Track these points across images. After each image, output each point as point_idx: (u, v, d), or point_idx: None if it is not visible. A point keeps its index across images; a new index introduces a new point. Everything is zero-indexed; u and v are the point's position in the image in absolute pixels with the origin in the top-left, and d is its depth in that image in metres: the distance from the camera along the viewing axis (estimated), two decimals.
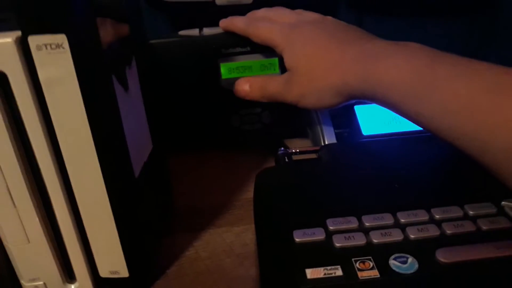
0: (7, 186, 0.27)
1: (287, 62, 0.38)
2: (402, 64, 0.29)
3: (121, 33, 0.30)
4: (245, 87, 0.42)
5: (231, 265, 0.34)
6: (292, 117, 0.47)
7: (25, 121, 0.25)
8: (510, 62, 0.27)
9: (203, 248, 0.36)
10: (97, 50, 0.25)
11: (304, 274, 0.22)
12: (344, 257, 0.23)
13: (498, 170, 0.25)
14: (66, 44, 0.23)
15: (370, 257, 0.23)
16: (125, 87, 0.30)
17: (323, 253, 0.24)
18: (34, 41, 0.23)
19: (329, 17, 0.40)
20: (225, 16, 0.45)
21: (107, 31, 0.27)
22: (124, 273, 0.31)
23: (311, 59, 0.35)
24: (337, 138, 0.41)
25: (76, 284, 0.31)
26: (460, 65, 0.27)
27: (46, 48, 0.23)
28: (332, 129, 0.42)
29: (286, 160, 0.35)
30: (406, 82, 0.28)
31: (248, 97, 0.42)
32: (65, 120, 0.26)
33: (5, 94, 0.24)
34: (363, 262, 0.23)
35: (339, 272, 0.22)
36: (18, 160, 0.26)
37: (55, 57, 0.24)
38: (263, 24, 0.40)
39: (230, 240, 0.37)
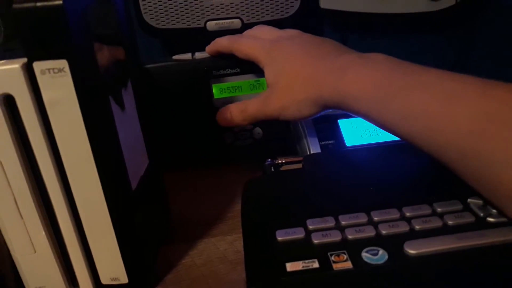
0: (15, 199, 0.29)
1: (268, 78, 0.40)
2: (366, 76, 0.32)
3: (117, 57, 0.33)
4: (226, 115, 0.44)
5: (224, 271, 0.36)
6: (281, 133, 0.50)
7: (31, 139, 0.28)
8: (486, 76, 0.29)
9: (198, 256, 0.38)
10: (95, 73, 0.28)
11: (284, 268, 0.25)
12: (321, 252, 0.26)
13: (455, 169, 0.27)
14: (67, 68, 0.26)
15: (345, 251, 0.25)
16: (122, 106, 0.32)
17: (302, 249, 0.26)
18: (38, 66, 0.26)
19: (305, 33, 0.42)
20: None
21: (104, 56, 0.30)
22: (123, 279, 0.33)
23: (289, 75, 0.38)
24: (322, 150, 0.43)
25: None
26: (418, 75, 0.30)
27: (49, 72, 0.26)
28: (317, 141, 0.44)
29: (272, 169, 0.37)
30: (370, 93, 0.31)
31: (231, 124, 0.44)
32: (67, 137, 0.28)
33: (13, 114, 0.27)
34: (338, 255, 0.25)
35: (315, 264, 0.25)
36: (25, 175, 0.29)
37: (57, 81, 0.26)
38: (246, 40, 0.43)
39: (224, 248, 0.39)
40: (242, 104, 0.43)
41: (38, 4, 0.25)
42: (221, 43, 0.46)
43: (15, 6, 0.25)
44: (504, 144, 0.24)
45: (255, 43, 0.43)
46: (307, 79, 0.36)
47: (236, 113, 0.44)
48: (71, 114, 0.27)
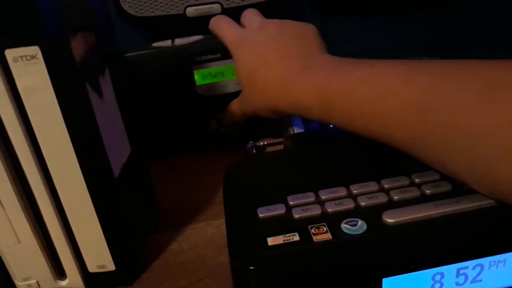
0: None
1: (237, 76, 0.42)
2: (308, 90, 0.34)
3: (92, 45, 0.33)
4: (225, 118, 0.49)
5: (212, 254, 0.37)
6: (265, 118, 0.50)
7: (8, 128, 0.28)
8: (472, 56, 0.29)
9: (185, 241, 0.38)
10: (70, 59, 0.28)
11: (266, 242, 0.25)
12: (301, 225, 0.26)
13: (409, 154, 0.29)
14: (39, 55, 0.26)
15: (324, 223, 0.26)
16: (99, 94, 0.32)
17: (283, 224, 0.26)
18: (10, 54, 0.26)
19: (273, 25, 0.41)
20: (196, 27, 0.48)
21: (78, 43, 0.30)
22: (110, 266, 0.33)
23: (247, 81, 0.40)
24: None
25: (67, 280, 0.33)
26: (352, 75, 0.31)
27: (22, 59, 0.26)
28: (301, 124, 0.44)
29: (254, 151, 0.37)
30: (314, 103, 0.33)
31: (232, 120, 0.48)
32: (45, 126, 0.28)
33: None
34: (318, 228, 0.25)
35: (296, 237, 0.25)
36: (3, 166, 0.28)
37: (30, 68, 0.26)
38: (225, 25, 0.44)
39: (211, 232, 0.39)
40: (230, 107, 0.46)
41: None
42: (210, 23, 0.46)
43: None
44: (432, 129, 0.26)
45: (230, 31, 0.43)
46: (261, 90, 0.38)
47: (227, 116, 0.47)
48: (47, 101, 0.27)
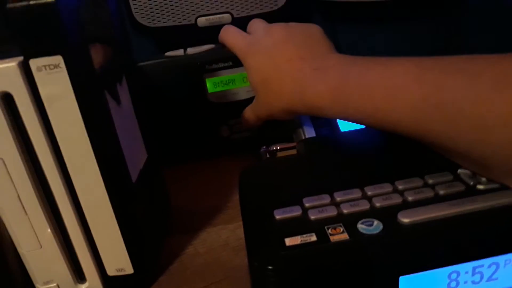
0: (18, 196, 0.30)
1: (249, 81, 0.43)
2: (321, 92, 0.35)
3: (110, 54, 0.34)
4: (243, 118, 0.48)
5: (227, 257, 0.37)
6: (276, 124, 0.51)
7: (31, 135, 0.29)
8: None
9: (201, 245, 0.39)
10: (90, 68, 0.29)
11: (284, 242, 0.26)
12: (318, 226, 0.26)
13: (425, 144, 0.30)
14: (62, 64, 0.27)
15: (341, 224, 0.26)
16: (118, 101, 0.33)
17: (300, 226, 0.27)
18: (34, 63, 0.27)
19: (279, 28, 0.42)
20: (207, 36, 0.49)
21: (98, 52, 0.31)
22: (129, 270, 0.34)
23: (261, 86, 0.41)
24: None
25: (87, 283, 0.34)
26: (363, 75, 0.32)
27: (46, 69, 0.27)
28: (312, 130, 0.45)
29: (268, 156, 0.38)
30: (328, 104, 0.34)
31: (248, 126, 0.48)
32: (66, 132, 0.29)
33: (11, 112, 0.28)
34: (335, 228, 0.26)
35: (313, 238, 0.26)
36: (26, 172, 0.29)
37: (53, 76, 0.27)
38: (233, 34, 0.45)
39: (226, 236, 0.40)
40: (244, 114, 0.47)
41: (32, 2, 0.26)
42: (220, 34, 0.47)
43: (9, 5, 0.25)
44: (444, 123, 0.27)
45: (238, 40, 0.44)
46: (276, 94, 0.39)
47: (244, 121, 0.47)
48: (69, 108, 0.28)
